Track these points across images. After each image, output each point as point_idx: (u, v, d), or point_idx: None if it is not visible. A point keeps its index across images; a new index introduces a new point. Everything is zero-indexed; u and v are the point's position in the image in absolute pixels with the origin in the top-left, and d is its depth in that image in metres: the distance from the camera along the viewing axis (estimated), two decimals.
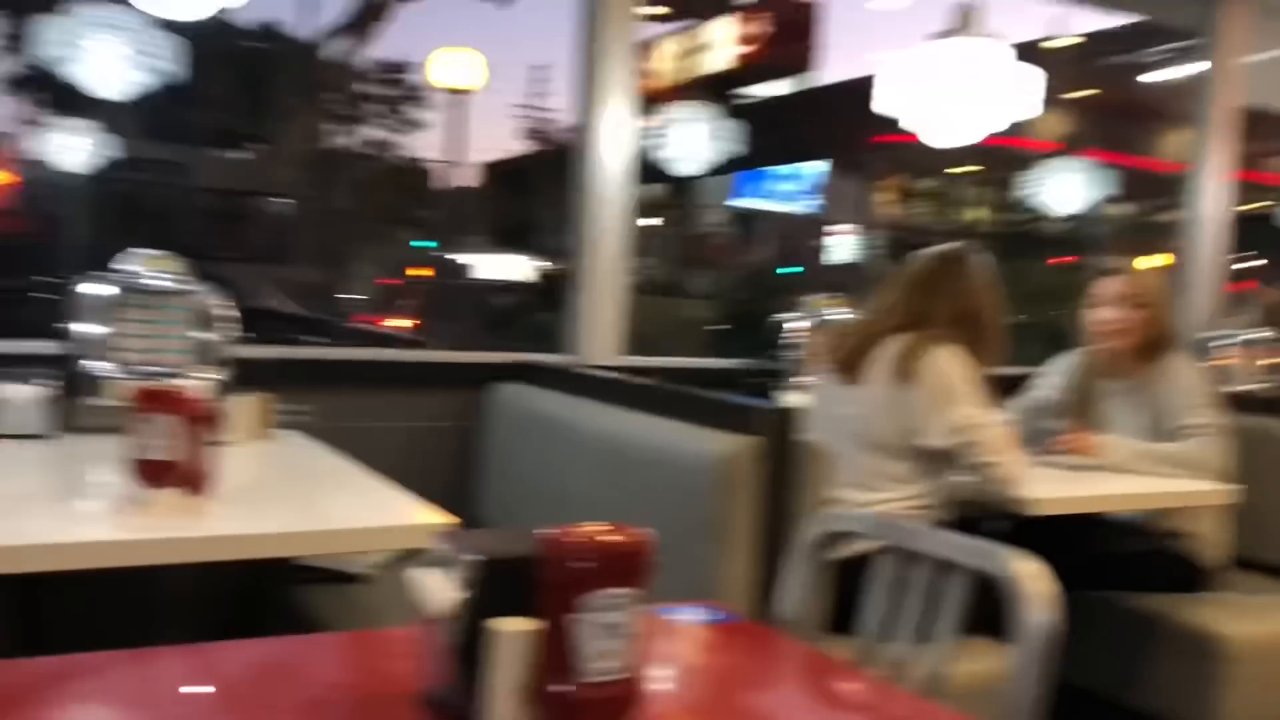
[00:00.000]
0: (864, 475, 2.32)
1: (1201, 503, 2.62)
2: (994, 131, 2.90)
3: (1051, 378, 3.02)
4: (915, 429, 2.30)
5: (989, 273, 2.47)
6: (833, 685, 1.36)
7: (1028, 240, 11.40)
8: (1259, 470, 2.78)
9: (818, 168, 16.35)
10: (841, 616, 1.76)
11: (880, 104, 2.55)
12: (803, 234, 17.51)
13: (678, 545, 1.82)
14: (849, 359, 2.43)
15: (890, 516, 2.02)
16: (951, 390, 2.28)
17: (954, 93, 2.46)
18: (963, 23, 2.56)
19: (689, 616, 1.44)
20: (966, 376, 2.30)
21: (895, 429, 2.32)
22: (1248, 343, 4.11)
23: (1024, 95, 2.80)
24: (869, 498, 2.29)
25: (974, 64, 2.63)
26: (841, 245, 17.84)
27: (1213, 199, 4.19)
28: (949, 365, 2.30)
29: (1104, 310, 2.81)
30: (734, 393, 2.72)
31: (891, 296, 2.47)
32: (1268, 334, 4.10)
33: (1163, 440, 2.69)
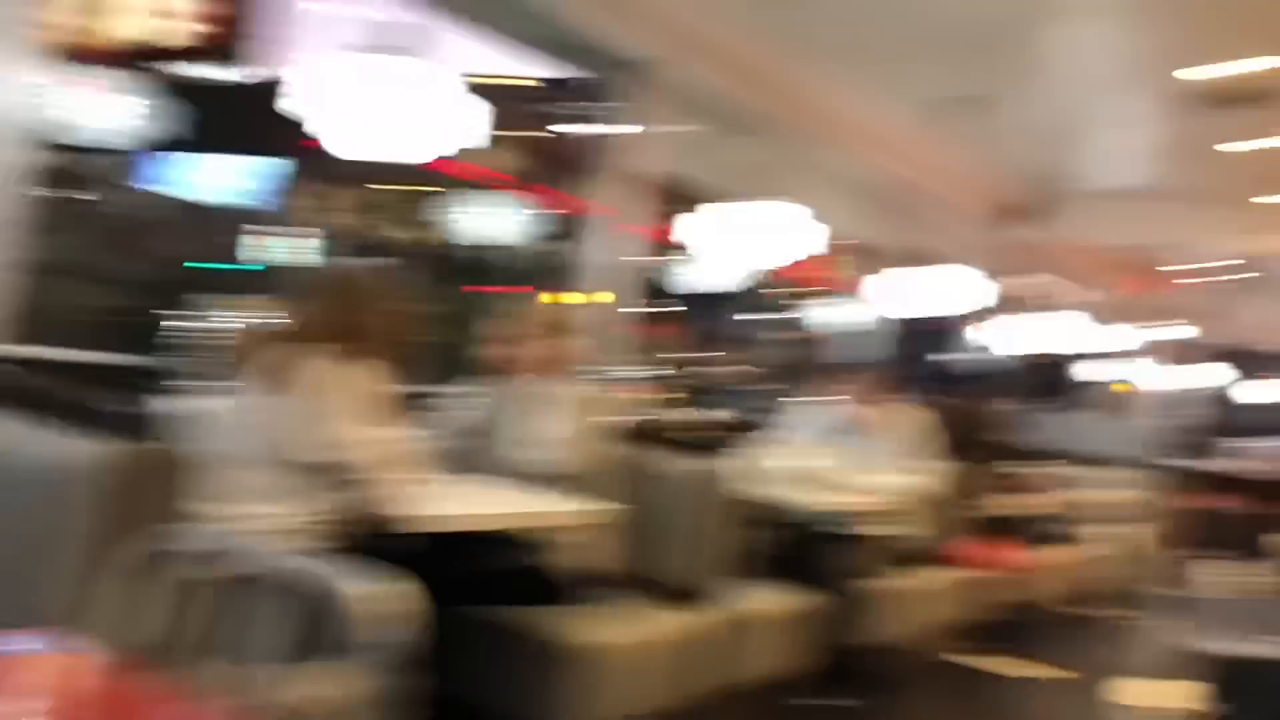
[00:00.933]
0: (266, 488, 2.20)
1: (576, 522, 2.80)
2: (423, 153, 2.91)
3: (475, 400, 3.10)
4: (285, 442, 2.22)
5: (386, 289, 2.48)
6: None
7: (447, 264, 11.71)
8: (647, 494, 3.04)
9: (267, 163, 15.62)
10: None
11: (289, 104, 2.46)
12: (234, 229, 16.54)
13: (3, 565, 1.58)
14: (242, 364, 2.31)
15: (259, 534, 1.92)
16: (324, 403, 2.23)
17: (364, 106, 2.44)
18: (385, 41, 2.55)
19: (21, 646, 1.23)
20: (346, 390, 2.26)
21: (268, 441, 2.23)
22: (646, 379, 4.57)
23: (452, 122, 2.84)
24: (271, 511, 2.18)
25: (397, 82, 2.63)
26: (277, 247, 17.11)
27: (622, 247, 4.69)
28: (325, 377, 2.25)
29: (515, 339, 2.98)
30: (119, 393, 2.47)
31: (292, 305, 2.40)
32: (660, 371, 4.63)
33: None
